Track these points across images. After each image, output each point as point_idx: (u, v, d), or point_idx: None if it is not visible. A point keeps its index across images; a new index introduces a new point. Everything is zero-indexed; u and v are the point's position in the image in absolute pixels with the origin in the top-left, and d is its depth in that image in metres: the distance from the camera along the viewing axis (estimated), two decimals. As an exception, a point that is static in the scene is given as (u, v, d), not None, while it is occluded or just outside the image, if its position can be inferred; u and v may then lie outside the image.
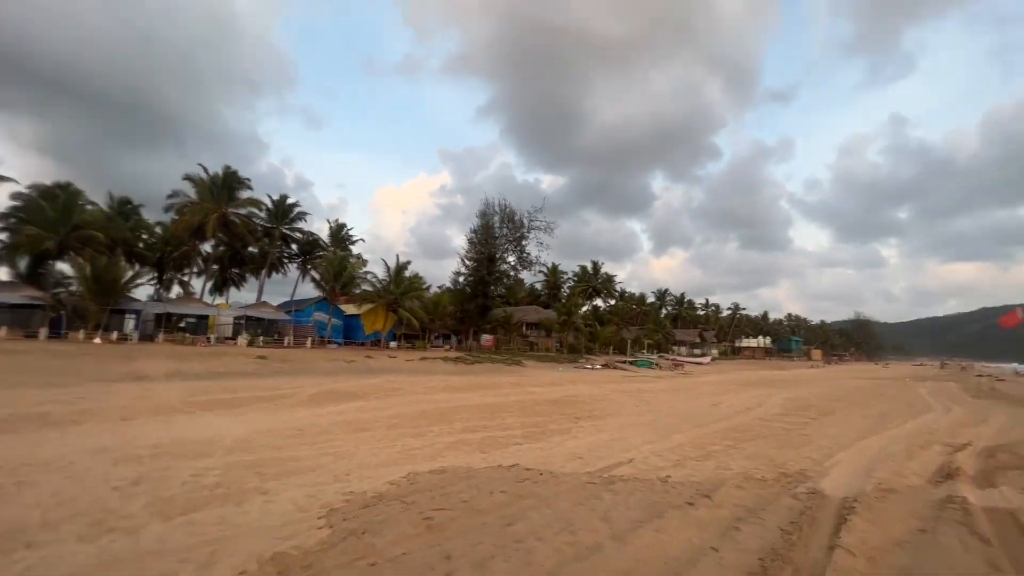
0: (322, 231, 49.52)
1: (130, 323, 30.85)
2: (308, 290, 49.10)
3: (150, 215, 40.95)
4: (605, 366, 37.84)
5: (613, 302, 73.61)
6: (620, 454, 8.13)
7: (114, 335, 27.94)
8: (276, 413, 11.49)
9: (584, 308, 63.97)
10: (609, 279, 71.55)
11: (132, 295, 31.15)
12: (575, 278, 72.08)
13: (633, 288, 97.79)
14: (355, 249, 49.44)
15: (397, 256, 42.43)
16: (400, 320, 40.04)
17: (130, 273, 30.44)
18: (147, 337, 29.84)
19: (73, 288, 30.37)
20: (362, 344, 40.08)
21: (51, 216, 31.03)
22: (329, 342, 37.64)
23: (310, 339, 35.57)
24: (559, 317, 52.45)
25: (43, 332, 25.83)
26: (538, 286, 72.60)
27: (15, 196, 32.50)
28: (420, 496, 5.38)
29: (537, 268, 49.71)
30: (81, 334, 27.00)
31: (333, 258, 39.65)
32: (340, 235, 48.84)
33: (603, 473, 6.81)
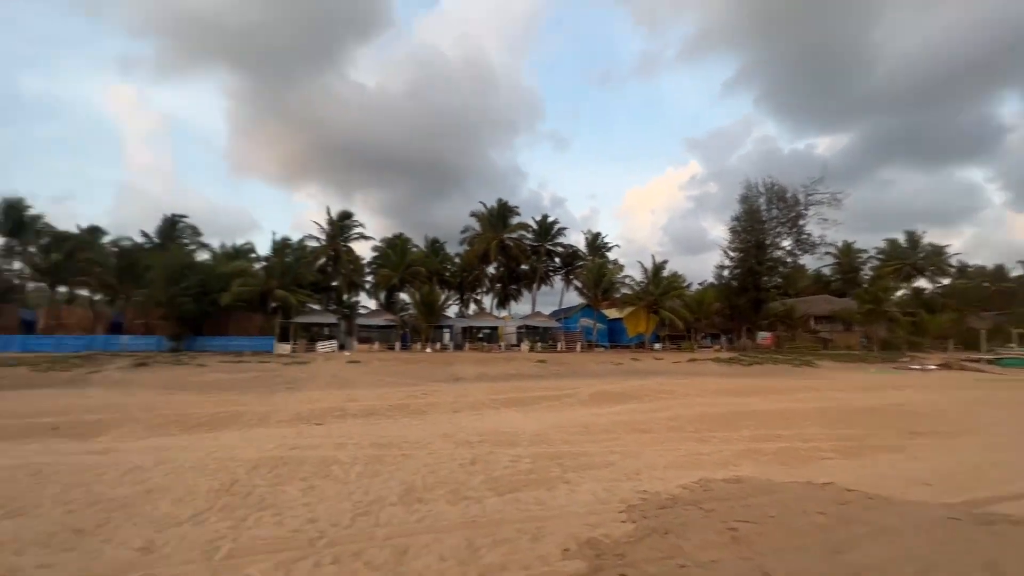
0: (579, 242, 53.13)
1: (446, 336, 39.25)
2: (572, 298, 53.17)
3: (450, 248, 51.54)
4: (944, 366, 28.71)
5: (946, 281, 55.39)
6: (999, 486, 6.00)
7: (437, 345, 36.01)
8: (561, 411, 12.75)
9: (900, 292, 50.05)
10: (937, 251, 54.29)
11: (446, 314, 39.66)
12: (880, 256, 57.35)
13: (980, 259, 71.29)
14: (611, 255, 51.19)
15: (652, 256, 42.07)
16: (663, 321, 39.29)
17: (443, 296, 38.91)
18: (458, 347, 37.38)
19: (411, 311, 40.56)
20: (627, 347, 40.90)
21: (394, 260, 42.41)
22: (596, 346, 39.74)
23: (579, 344, 38.30)
24: (861, 306, 42.41)
25: (398, 345, 35.27)
26: (826, 271, 60.68)
27: (374, 249, 45.91)
28: (718, 504, 5.11)
29: (822, 250, 41.64)
30: (418, 345, 35.75)
31: (592, 266, 41.95)
32: (596, 244, 51.35)
33: (972, 508, 5.14)
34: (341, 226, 42.40)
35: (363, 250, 46.46)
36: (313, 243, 41.23)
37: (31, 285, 40.43)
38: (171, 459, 7.19)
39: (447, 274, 47.48)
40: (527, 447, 8.07)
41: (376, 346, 34.82)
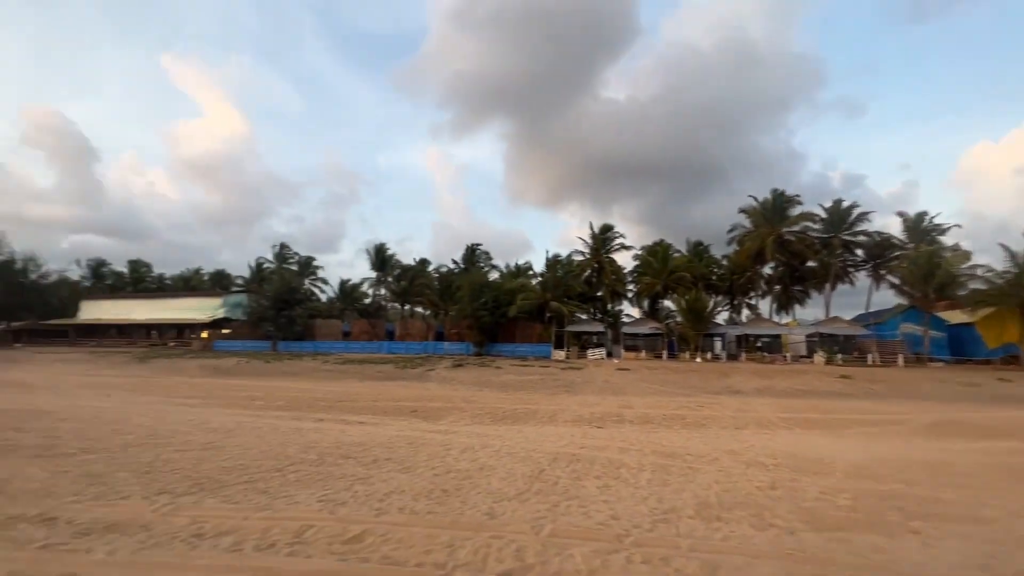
0: (891, 227, 41.95)
1: (717, 344, 36.44)
2: (885, 298, 42.20)
3: (716, 251, 47.80)
4: None
5: None
6: None
7: (708, 355, 33.72)
8: (884, 440, 10.20)
9: None
10: None
11: (716, 320, 36.83)
12: None
13: None
14: (945, 239, 38.57)
15: (1025, 235, 29.53)
16: (1053, 326, 27.24)
17: (711, 302, 36.30)
18: (731, 356, 34.18)
19: (676, 319, 39.27)
20: (985, 362, 29.90)
21: (655, 267, 41.99)
22: (930, 359, 30.36)
23: (901, 356, 29.97)
24: None
25: (664, 354, 34.59)
26: None
27: (635, 257, 46.41)
28: None
29: None
30: (686, 354, 34.23)
31: (917, 256, 32.41)
32: (920, 226, 39.62)
33: None
34: (603, 239, 44.46)
35: (624, 260, 47.57)
36: (579, 257, 44.46)
37: (390, 305, 55.92)
38: (490, 444, 8.78)
39: (714, 278, 44.19)
40: (843, 479, 6.74)
41: (643, 354, 34.92)
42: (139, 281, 66.54)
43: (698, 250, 46.39)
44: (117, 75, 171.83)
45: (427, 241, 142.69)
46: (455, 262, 49.70)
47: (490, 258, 49.61)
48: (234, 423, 10.71)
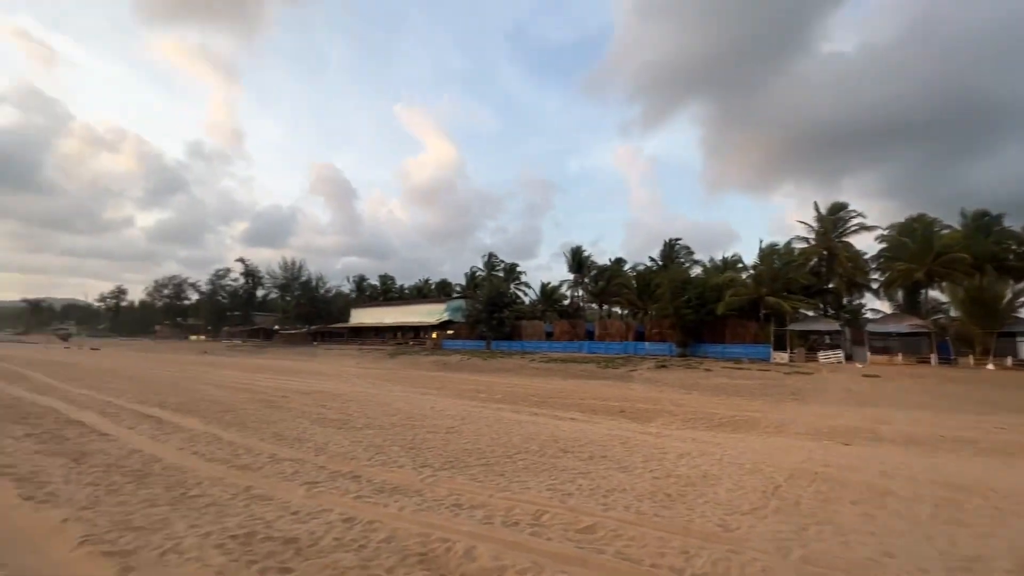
0: None
1: (1022, 348, 27.12)
2: None
3: (1011, 221, 35.58)
4: None
5: None
6: None
7: (1007, 360, 25.34)
8: None
9: None
10: None
11: (1019, 315, 27.42)
12: None
13: None
14: None
15: None
16: None
17: (1009, 291, 27.12)
18: (1050, 363, 24.99)
19: (951, 313, 30.61)
20: None
21: (913, 248, 33.36)
22: None
23: None
24: None
25: (933, 358, 27.24)
26: None
27: (881, 239, 37.68)
28: None
29: None
30: (969, 359, 26.35)
31: None
32: None
33: None
34: (833, 220, 37.36)
35: (864, 243, 39.22)
36: (801, 244, 38.29)
37: (587, 305, 57.08)
38: (709, 452, 8.20)
39: (1011, 258, 33.05)
40: None
41: (898, 358, 28.15)
42: (387, 292, 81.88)
43: (982, 222, 35.31)
44: (365, 128, 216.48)
45: (620, 240, 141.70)
46: (652, 259, 48.08)
47: (691, 253, 46.58)
48: (466, 412, 12.32)
